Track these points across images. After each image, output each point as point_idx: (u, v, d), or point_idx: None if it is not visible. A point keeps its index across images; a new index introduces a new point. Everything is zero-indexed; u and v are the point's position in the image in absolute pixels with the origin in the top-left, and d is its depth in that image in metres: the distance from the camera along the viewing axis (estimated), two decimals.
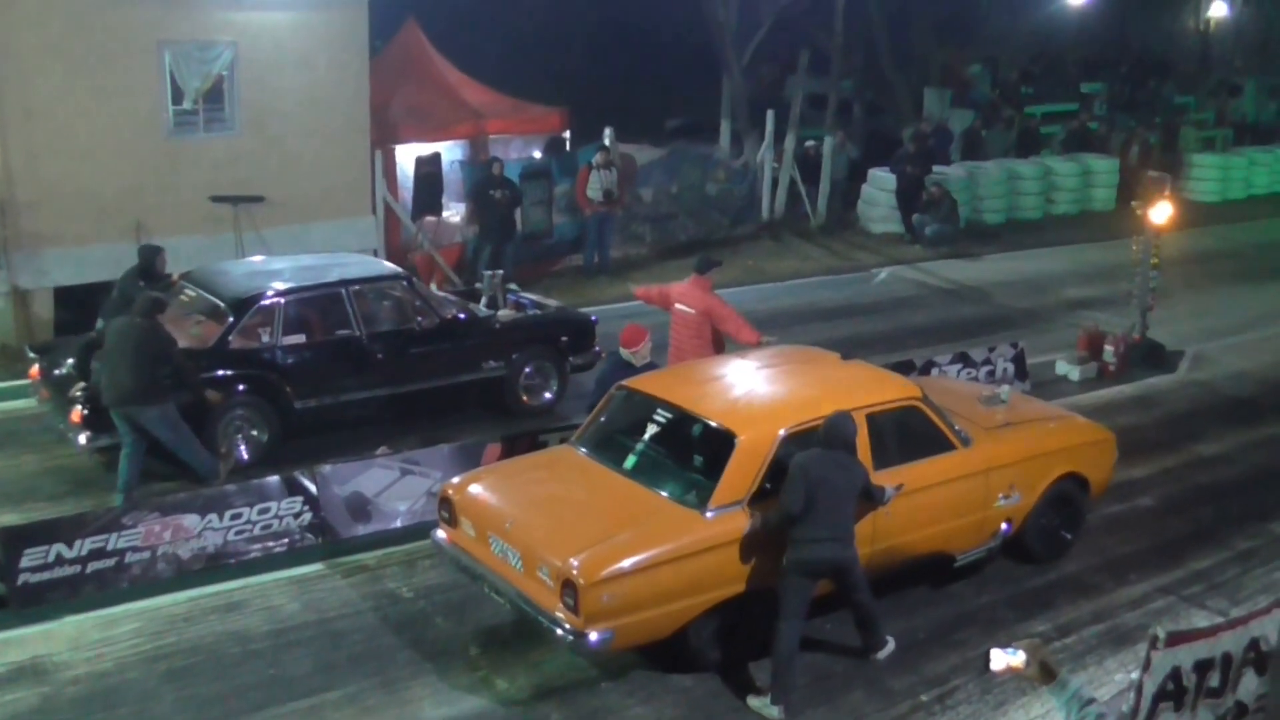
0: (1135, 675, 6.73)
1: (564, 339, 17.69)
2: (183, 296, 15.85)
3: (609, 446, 12.18)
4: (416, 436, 15.84)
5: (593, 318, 18.27)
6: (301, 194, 21.70)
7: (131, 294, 15.83)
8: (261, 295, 15.53)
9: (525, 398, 17.22)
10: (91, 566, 12.22)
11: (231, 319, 15.26)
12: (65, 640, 11.55)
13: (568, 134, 28.04)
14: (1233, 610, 12.25)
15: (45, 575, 12.00)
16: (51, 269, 19.68)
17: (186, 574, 12.65)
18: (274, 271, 16.39)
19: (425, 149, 24.86)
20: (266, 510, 13.17)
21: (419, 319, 16.50)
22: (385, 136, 23.91)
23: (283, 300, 15.57)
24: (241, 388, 15.14)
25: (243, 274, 16.35)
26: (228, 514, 12.95)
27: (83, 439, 14.54)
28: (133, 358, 13.69)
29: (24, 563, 11.90)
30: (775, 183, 30.27)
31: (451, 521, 11.84)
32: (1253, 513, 14.99)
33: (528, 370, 17.34)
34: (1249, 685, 7.18)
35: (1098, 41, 51.82)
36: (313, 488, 13.41)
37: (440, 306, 16.93)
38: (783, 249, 28.35)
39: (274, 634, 11.82)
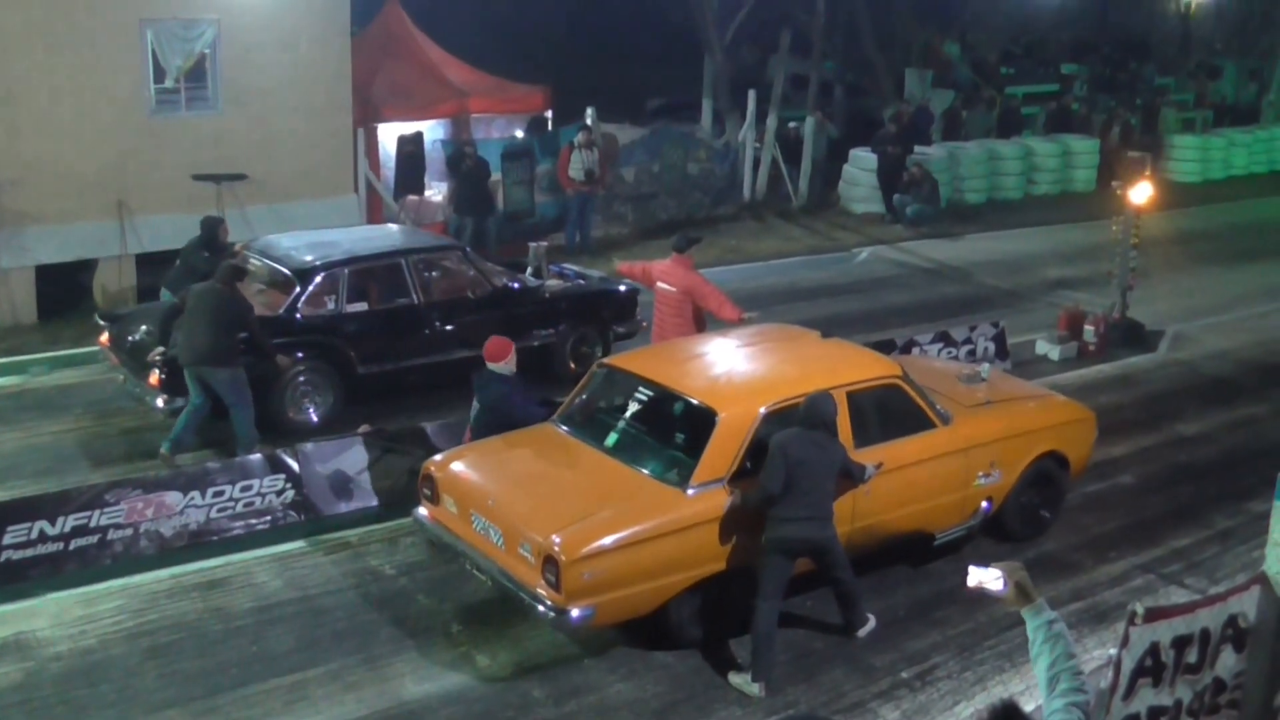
0: (1114, 652, 6.76)
1: (608, 309, 18.09)
2: (248, 266, 16.07)
3: (590, 424, 12.22)
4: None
5: (625, 288, 18.44)
6: (284, 172, 21.71)
7: (195, 263, 16.51)
8: (327, 265, 15.98)
9: (573, 365, 17.49)
10: (74, 544, 12.21)
11: (298, 288, 15.69)
12: (48, 617, 11.56)
13: (550, 113, 28.01)
14: (1212, 588, 12.33)
15: (28, 552, 11.99)
16: (33, 247, 19.65)
17: (169, 551, 12.64)
18: (334, 242, 16.84)
19: (407, 128, 24.83)
20: (249, 488, 13.17)
21: (474, 288, 16.94)
22: (368, 115, 23.90)
23: (347, 269, 16.04)
24: (308, 353, 15.57)
25: (306, 244, 16.70)
26: (210, 491, 12.95)
27: (160, 402, 14.95)
28: (211, 321, 14.17)
29: (6, 540, 11.89)
30: (757, 163, 30.27)
31: (434, 499, 11.87)
32: (1232, 492, 15.04)
33: (574, 339, 17.75)
34: (1227, 662, 7.19)
35: (1078, 22, 51.87)
36: (295, 465, 13.43)
37: (493, 276, 17.27)
38: (764, 229, 28.35)
39: (256, 611, 11.83)
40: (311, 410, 15.75)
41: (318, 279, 15.81)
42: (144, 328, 15.87)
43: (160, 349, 14.86)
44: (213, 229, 17.22)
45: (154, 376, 14.86)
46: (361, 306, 16.20)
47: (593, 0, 45.43)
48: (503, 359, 12.80)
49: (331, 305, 15.89)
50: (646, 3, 40.86)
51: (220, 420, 14.77)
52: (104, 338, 16.34)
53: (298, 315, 15.60)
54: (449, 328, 16.50)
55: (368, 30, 26.63)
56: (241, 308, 14.43)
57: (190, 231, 17.71)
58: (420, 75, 26.11)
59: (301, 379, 15.60)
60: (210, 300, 14.23)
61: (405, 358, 16.29)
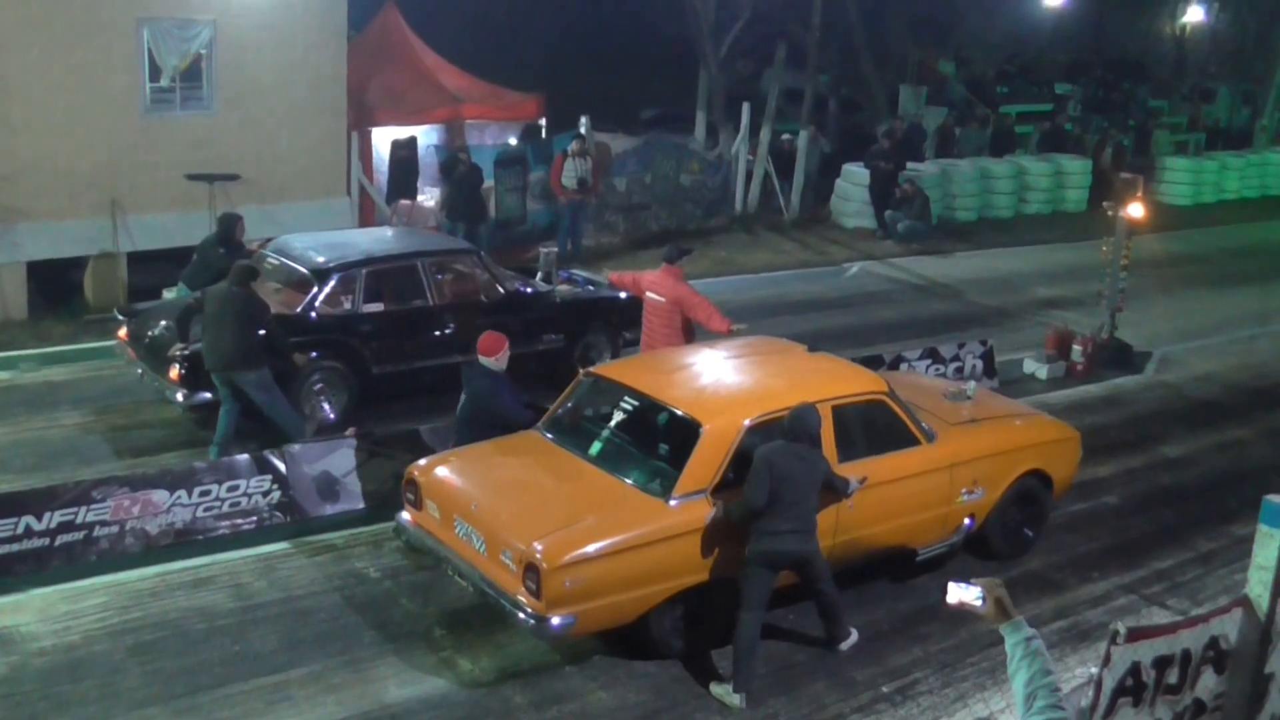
0: (1095, 671, 6.79)
1: (616, 315, 18.18)
2: (266, 265, 16.24)
3: (575, 433, 12.25)
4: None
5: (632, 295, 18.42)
6: (277, 174, 21.75)
7: (212, 260, 16.59)
8: (344, 265, 16.08)
9: (581, 370, 17.44)
10: (60, 539, 12.23)
11: (316, 287, 15.80)
12: (33, 612, 11.55)
13: (544, 121, 28.04)
14: (1193, 610, 12.36)
15: (13, 547, 12.00)
16: (25, 243, 19.64)
17: (154, 549, 12.65)
18: (352, 243, 17.05)
19: (401, 132, 24.87)
20: (235, 488, 13.20)
21: (486, 291, 17.08)
22: (362, 119, 23.93)
23: (363, 270, 16.14)
24: (324, 352, 15.67)
25: (323, 244, 16.85)
26: (196, 490, 12.97)
27: (180, 396, 15.09)
28: (233, 325, 14.29)
29: None
30: (749, 175, 30.34)
31: (416, 503, 11.89)
32: (1215, 514, 15.10)
33: (582, 344, 17.91)
34: (1207, 683, 7.24)
35: (1073, 43, 51.99)
36: (282, 466, 13.45)
37: (505, 280, 17.44)
38: (755, 241, 28.38)
39: (240, 611, 11.83)
40: (328, 408, 15.82)
41: (334, 279, 15.90)
42: (163, 323, 15.91)
43: (180, 345, 14.93)
44: (230, 226, 17.23)
45: (174, 371, 14.93)
46: (377, 307, 16.28)
47: (589, 9, 45.47)
48: (494, 354, 12.90)
49: (348, 305, 15.98)
50: (642, 13, 40.87)
51: (249, 419, 14.87)
52: (122, 332, 16.39)
53: (313, 314, 15.69)
54: (462, 330, 16.48)
55: (364, 34, 26.64)
56: (259, 307, 14.53)
57: (182, 230, 17.80)
58: (415, 80, 26.12)
59: (316, 377, 15.68)
60: (229, 305, 14.31)
61: (419, 358, 16.38)
